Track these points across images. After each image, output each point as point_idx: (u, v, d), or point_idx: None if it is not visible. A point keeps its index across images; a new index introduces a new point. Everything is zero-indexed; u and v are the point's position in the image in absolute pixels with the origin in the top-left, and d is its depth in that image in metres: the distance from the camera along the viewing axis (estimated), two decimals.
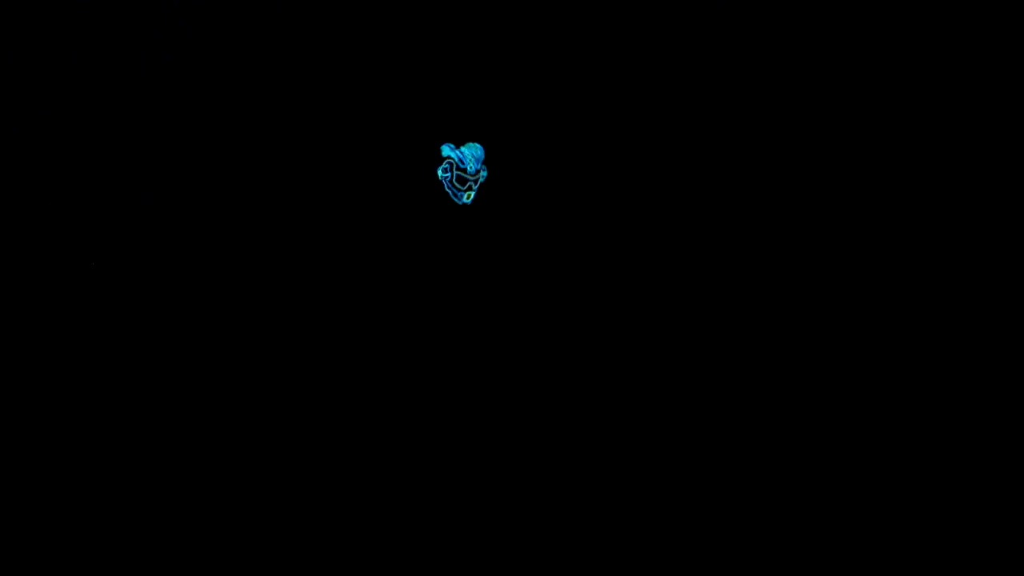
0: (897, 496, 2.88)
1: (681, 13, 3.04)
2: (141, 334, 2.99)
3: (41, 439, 2.96)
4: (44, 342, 2.98)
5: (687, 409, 2.94)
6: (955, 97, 2.99)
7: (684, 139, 3.03)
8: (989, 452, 2.88)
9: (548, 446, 2.95)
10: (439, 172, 2.99)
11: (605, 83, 3.05)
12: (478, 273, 3.01)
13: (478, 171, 2.99)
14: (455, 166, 2.98)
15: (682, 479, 2.92)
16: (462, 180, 2.99)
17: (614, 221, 3.01)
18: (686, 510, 2.90)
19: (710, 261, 2.98)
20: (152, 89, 3.05)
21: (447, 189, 2.97)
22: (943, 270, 2.95)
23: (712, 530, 2.89)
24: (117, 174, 3.04)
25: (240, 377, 2.99)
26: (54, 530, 2.92)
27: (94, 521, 2.93)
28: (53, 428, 2.96)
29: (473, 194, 2.98)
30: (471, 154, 2.98)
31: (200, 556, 2.91)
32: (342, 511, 2.93)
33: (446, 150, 2.99)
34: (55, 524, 2.93)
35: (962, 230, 2.96)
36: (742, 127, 3.02)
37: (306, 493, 2.94)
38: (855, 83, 3.01)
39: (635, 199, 3.02)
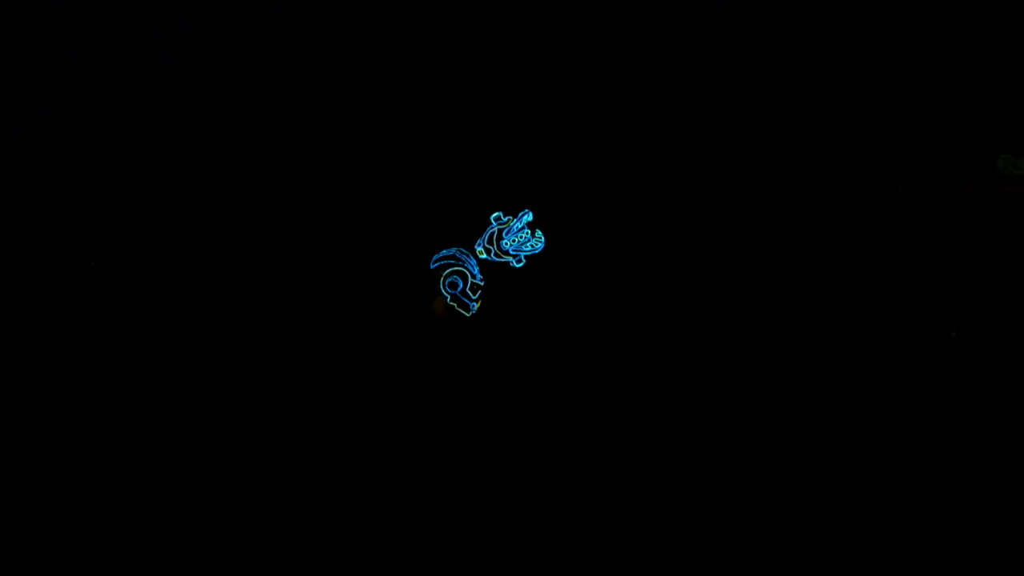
0: (897, 496, 2.88)
1: (681, 13, 3.04)
2: (141, 334, 2.99)
3: (41, 439, 2.95)
4: (44, 342, 2.98)
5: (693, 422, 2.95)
6: (955, 97, 2.99)
7: (683, 137, 3.03)
8: (989, 453, 2.88)
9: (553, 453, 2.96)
10: (443, 285, 3.01)
11: (604, 82, 3.05)
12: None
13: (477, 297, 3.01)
14: (467, 279, 3.00)
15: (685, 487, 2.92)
16: (474, 289, 3.02)
17: (612, 218, 3.02)
18: (686, 512, 2.91)
19: (704, 254, 2.98)
20: (152, 89, 3.05)
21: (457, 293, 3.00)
22: (943, 270, 2.95)
23: (712, 531, 2.89)
24: (117, 174, 3.04)
25: (240, 378, 2.98)
26: (54, 530, 2.92)
27: (94, 521, 2.92)
28: (53, 428, 2.96)
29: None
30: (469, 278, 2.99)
31: (200, 556, 2.91)
32: (339, 515, 2.94)
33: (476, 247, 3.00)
34: (55, 524, 2.92)
35: (962, 230, 2.96)
36: (742, 127, 3.02)
37: (303, 498, 2.94)
38: (855, 83, 3.01)
39: (634, 196, 3.02)
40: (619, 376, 2.98)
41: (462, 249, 2.99)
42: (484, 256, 3.00)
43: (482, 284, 2.98)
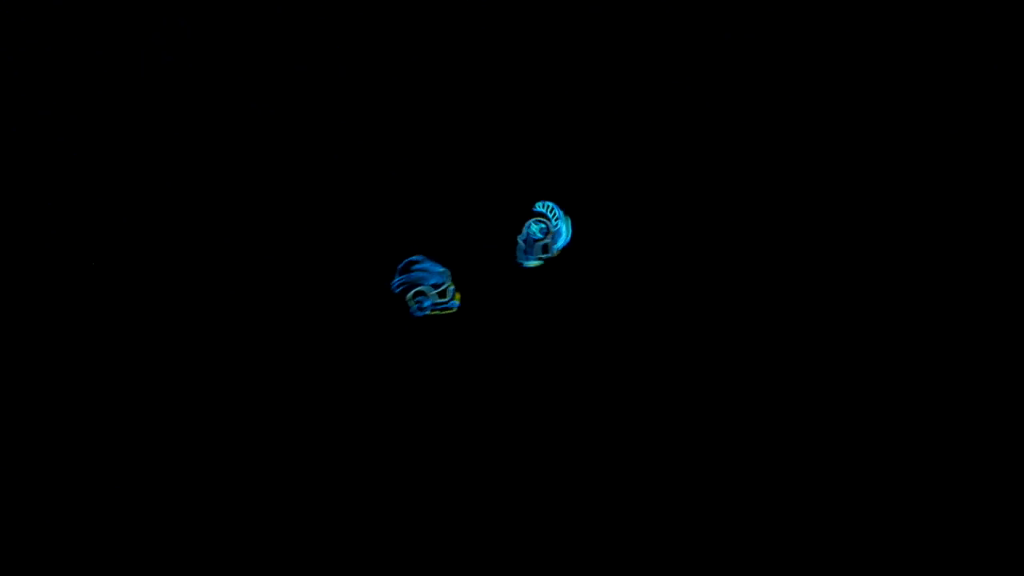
0: (897, 496, 2.88)
1: (681, 13, 3.04)
2: (141, 334, 2.99)
3: (41, 439, 2.96)
4: (44, 342, 2.98)
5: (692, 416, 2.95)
6: (955, 97, 2.99)
7: (683, 137, 3.03)
8: (989, 452, 2.88)
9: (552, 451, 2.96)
10: (411, 304, 2.94)
11: (604, 82, 3.05)
12: (486, 275, 3.01)
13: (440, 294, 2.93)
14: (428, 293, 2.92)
15: (684, 481, 2.92)
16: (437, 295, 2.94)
17: (610, 218, 3.02)
18: (686, 511, 2.91)
19: (707, 257, 2.99)
20: (152, 89, 3.06)
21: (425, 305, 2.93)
22: (942, 270, 2.95)
23: (712, 530, 2.89)
24: (117, 174, 3.05)
25: (240, 378, 2.99)
26: (54, 530, 2.92)
27: (94, 521, 2.93)
28: (53, 428, 2.96)
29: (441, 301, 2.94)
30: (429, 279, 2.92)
31: (200, 556, 2.91)
32: (340, 514, 2.94)
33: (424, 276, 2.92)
34: (55, 524, 2.92)
35: (962, 230, 2.96)
36: (742, 127, 3.02)
37: (303, 496, 2.94)
38: (855, 83, 3.01)
39: (633, 196, 3.02)
40: (621, 376, 2.98)
41: (414, 259, 2.93)
42: (534, 264, 2.93)
43: (445, 283, 2.92)
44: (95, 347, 2.99)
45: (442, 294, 2.92)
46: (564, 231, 2.93)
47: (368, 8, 3.08)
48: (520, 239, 2.95)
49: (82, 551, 2.91)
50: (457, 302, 2.93)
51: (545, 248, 2.92)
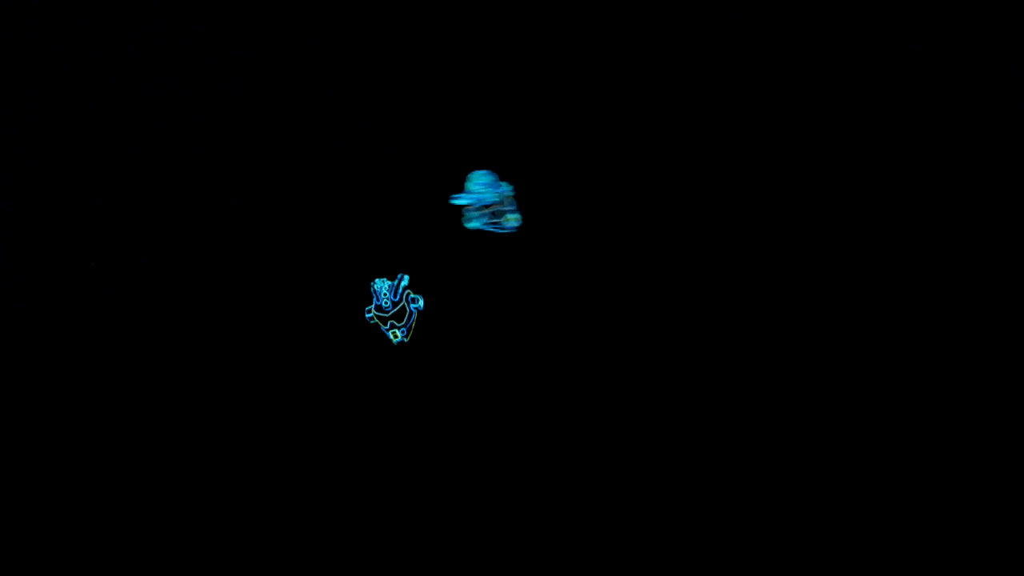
0: (897, 496, 2.88)
1: (681, 13, 3.04)
2: (141, 334, 3.00)
3: (41, 439, 2.96)
4: (44, 342, 2.99)
5: (690, 412, 2.95)
6: (955, 97, 2.99)
7: (683, 138, 3.03)
8: (989, 452, 2.88)
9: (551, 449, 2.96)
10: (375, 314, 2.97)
11: (604, 82, 3.05)
12: (482, 269, 3.01)
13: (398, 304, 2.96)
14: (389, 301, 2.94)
15: (683, 479, 2.92)
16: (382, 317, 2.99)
17: (610, 219, 3.02)
18: (686, 510, 2.91)
19: (708, 256, 2.99)
20: (152, 89, 3.06)
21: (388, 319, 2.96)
22: (943, 270, 2.95)
23: (712, 530, 2.89)
24: (117, 174, 3.05)
25: (240, 378, 2.99)
26: (54, 530, 2.92)
27: (94, 521, 2.93)
28: (53, 428, 2.96)
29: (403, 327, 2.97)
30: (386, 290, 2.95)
31: (200, 556, 2.91)
32: (341, 513, 2.94)
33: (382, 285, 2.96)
34: (55, 524, 2.93)
35: (962, 230, 2.96)
36: (742, 127, 3.02)
37: (304, 495, 2.95)
38: (855, 83, 3.01)
39: (633, 197, 3.03)
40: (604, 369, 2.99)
41: (385, 300, 2.96)
42: (482, 226, 2.94)
43: (389, 310, 2.96)
44: (95, 347, 2.99)
45: (383, 321, 2.97)
46: (487, 192, 2.95)
47: (367, 9, 3.09)
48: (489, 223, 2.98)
49: (61, 553, 2.92)
50: (394, 340, 2.97)
51: (501, 215, 2.93)
